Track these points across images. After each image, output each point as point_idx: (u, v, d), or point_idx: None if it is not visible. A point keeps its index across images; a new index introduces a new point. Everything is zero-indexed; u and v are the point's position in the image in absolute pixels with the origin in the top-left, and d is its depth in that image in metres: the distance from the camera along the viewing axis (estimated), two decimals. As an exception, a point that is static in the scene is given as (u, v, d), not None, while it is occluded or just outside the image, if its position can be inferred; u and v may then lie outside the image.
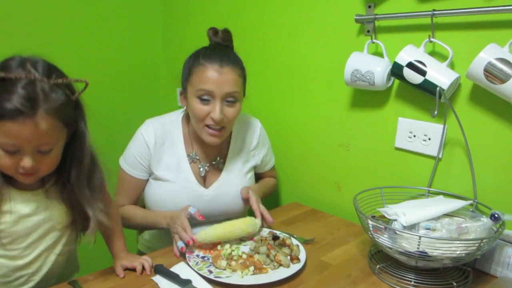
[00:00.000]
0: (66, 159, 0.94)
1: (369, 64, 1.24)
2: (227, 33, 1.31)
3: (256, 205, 1.27)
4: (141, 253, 1.45)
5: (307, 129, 1.56)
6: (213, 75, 1.18)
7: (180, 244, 1.12)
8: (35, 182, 0.94)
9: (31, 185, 0.95)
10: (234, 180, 1.37)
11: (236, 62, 1.23)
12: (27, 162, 0.85)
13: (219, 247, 1.11)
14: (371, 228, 1.03)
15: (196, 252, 1.12)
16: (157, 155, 1.30)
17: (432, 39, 1.14)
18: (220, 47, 1.27)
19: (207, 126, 1.23)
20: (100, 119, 1.83)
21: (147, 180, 1.34)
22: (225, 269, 1.04)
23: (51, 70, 0.86)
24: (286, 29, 1.56)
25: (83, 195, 0.96)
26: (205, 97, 1.19)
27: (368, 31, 1.30)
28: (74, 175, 0.95)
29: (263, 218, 1.26)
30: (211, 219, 1.31)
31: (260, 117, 1.50)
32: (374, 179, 1.35)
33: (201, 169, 1.34)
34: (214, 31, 1.29)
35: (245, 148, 1.41)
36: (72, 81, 0.88)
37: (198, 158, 1.34)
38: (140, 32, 2.02)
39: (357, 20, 1.30)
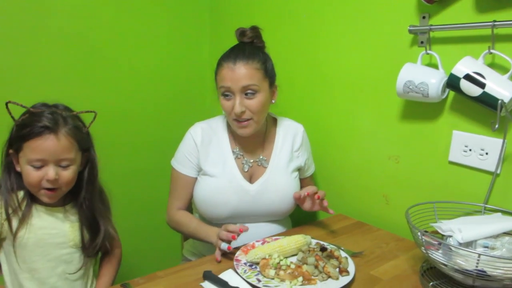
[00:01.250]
0: (82, 182, 1.16)
1: (423, 76, 1.22)
2: (255, 30, 1.36)
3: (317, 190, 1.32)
4: (186, 259, 1.49)
5: (352, 140, 1.54)
6: (228, 73, 1.26)
7: (224, 245, 1.15)
8: (56, 201, 1.12)
9: (52, 204, 1.13)
10: (279, 178, 1.38)
11: (251, 56, 1.28)
12: (50, 173, 1.05)
13: (267, 255, 1.11)
14: (424, 243, 0.99)
15: (244, 260, 1.13)
16: (204, 152, 1.36)
17: (492, 51, 1.11)
18: (239, 45, 1.34)
19: (235, 120, 1.29)
20: (151, 127, 1.91)
21: (196, 179, 1.39)
22: (273, 278, 1.04)
23: (67, 108, 1.13)
24: (334, 38, 1.55)
25: (97, 208, 1.18)
26: (226, 93, 1.28)
27: (422, 42, 1.28)
28: (89, 192, 1.17)
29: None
30: (256, 217, 1.36)
31: (304, 126, 1.50)
32: (425, 193, 1.31)
33: (245, 165, 1.38)
34: (241, 32, 1.36)
35: (289, 148, 1.43)
36: (83, 112, 1.13)
37: (242, 154, 1.39)
38: (188, 43, 2.07)
39: (410, 31, 1.28)
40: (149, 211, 1.97)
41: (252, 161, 1.39)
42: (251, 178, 1.38)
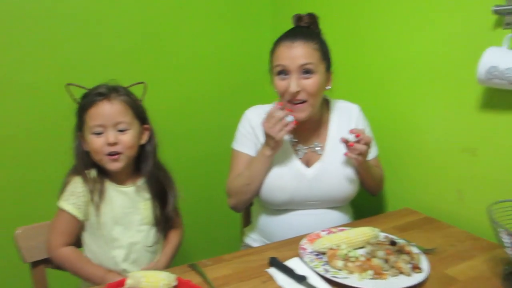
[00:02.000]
0: (147, 155, 1.22)
1: (510, 61, 1.11)
2: (311, 17, 1.33)
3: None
4: (247, 247, 1.48)
5: (420, 130, 1.45)
6: (285, 51, 1.24)
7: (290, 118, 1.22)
8: (124, 173, 1.19)
9: (125, 181, 1.20)
10: (336, 162, 1.34)
11: (309, 36, 1.26)
12: (110, 136, 1.11)
13: (334, 246, 1.07)
14: (510, 245, 0.91)
15: (310, 249, 1.10)
16: (260, 137, 1.35)
17: None
18: (296, 28, 1.32)
19: (289, 101, 1.26)
20: (213, 114, 1.92)
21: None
22: (341, 270, 1.00)
23: (120, 85, 1.19)
24: (407, 22, 1.46)
25: (162, 178, 1.24)
26: (282, 73, 1.26)
27: (509, 24, 1.17)
28: (155, 165, 1.23)
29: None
30: (314, 202, 1.33)
31: (370, 113, 1.44)
32: (506, 190, 1.21)
33: (300, 151, 1.36)
34: (298, 17, 1.34)
35: (345, 130, 1.35)
36: (134, 84, 1.20)
37: (296, 140, 1.37)
38: (249, 29, 2.05)
39: (495, 12, 1.17)
40: (209, 197, 1.99)
41: (306, 148, 1.37)
42: (307, 163, 1.36)
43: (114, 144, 1.12)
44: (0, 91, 1.53)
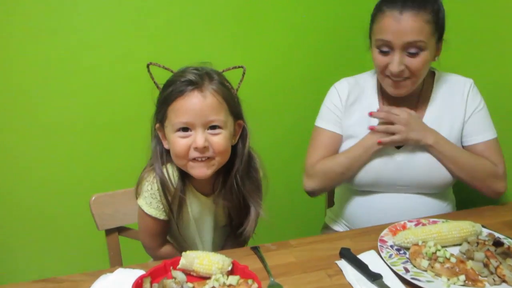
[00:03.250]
0: (234, 158, 0.98)
1: None
2: None
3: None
4: (326, 227, 1.39)
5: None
6: (391, 23, 1.07)
7: None
8: (207, 183, 1.00)
9: (204, 191, 1.02)
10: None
11: (423, 4, 1.06)
12: (199, 139, 0.89)
13: (420, 241, 0.91)
14: None
15: (390, 242, 0.95)
16: (348, 111, 1.24)
17: None
18: None
19: (387, 77, 1.13)
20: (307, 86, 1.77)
21: (341, 137, 1.25)
22: (425, 271, 0.85)
23: (213, 69, 0.96)
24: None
25: (245, 187, 1.00)
26: (384, 48, 1.10)
27: None
28: (237, 169, 0.98)
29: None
30: (403, 187, 1.18)
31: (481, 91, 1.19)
32: None
33: None
34: None
35: (449, 110, 1.18)
36: (230, 69, 0.98)
37: None
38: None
39: None
40: (293, 176, 1.89)
41: None
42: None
43: (203, 148, 0.90)
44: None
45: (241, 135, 1.00)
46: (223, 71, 0.97)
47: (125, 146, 1.63)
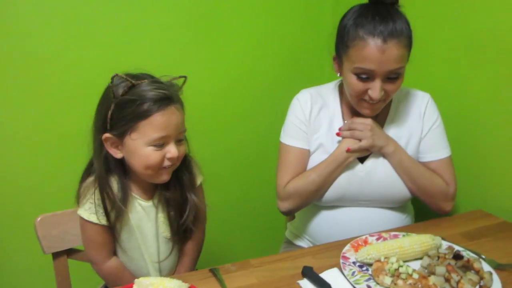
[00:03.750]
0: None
1: None
2: None
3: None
4: (288, 242, 1.37)
5: (502, 119, 1.21)
6: (375, 54, 1.01)
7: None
8: (150, 185, 1.03)
9: (145, 194, 1.04)
10: None
11: (402, 31, 1.03)
12: (173, 150, 0.94)
13: (382, 258, 0.90)
14: None
15: (353, 258, 0.93)
16: (313, 123, 1.21)
17: None
18: (383, 10, 1.04)
19: (364, 100, 1.10)
20: (263, 97, 1.75)
21: (309, 152, 1.21)
22: (388, 288, 0.83)
23: (173, 82, 0.98)
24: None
25: (183, 181, 1.05)
26: (364, 76, 1.05)
27: None
28: (181, 165, 1.03)
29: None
30: (366, 201, 1.18)
31: (437, 102, 1.21)
32: None
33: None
34: None
35: (407, 124, 1.18)
36: (177, 78, 0.98)
37: None
38: (310, 9, 1.85)
39: None
40: (253, 190, 1.86)
41: None
42: (361, 158, 1.17)
43: (177, 158, 0.95)
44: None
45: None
46: (172, 79, 0.98)
47: (74, 162, 1.55)
